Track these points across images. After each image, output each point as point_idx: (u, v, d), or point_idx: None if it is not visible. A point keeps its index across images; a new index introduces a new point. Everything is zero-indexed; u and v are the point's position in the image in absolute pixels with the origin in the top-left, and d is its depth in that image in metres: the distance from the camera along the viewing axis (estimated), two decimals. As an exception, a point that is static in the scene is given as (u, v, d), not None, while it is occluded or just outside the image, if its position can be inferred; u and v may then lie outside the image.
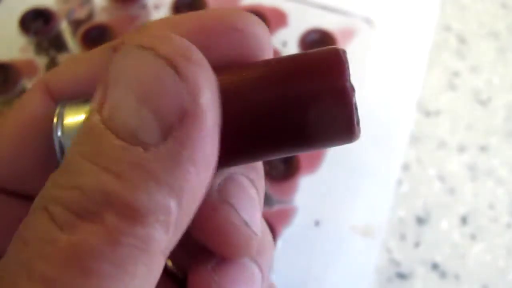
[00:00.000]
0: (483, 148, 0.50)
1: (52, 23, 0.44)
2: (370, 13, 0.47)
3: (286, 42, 0.46)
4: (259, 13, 0.45)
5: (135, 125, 0.12)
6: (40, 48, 0.44)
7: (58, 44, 0.45)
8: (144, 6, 0.46)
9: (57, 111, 0.15)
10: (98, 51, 0.16)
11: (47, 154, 0.15)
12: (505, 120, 0.52)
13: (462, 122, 0.51)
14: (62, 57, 0.43)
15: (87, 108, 0.14)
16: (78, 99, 0.15)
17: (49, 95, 0.16)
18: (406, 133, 0.50)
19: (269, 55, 0.16)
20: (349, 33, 0.45)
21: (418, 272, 0.44)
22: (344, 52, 0.15)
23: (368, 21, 0.46)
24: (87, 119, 0.13)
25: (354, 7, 0.47)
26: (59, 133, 0.15)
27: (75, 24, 0.46)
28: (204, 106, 0.12)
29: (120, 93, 0.12)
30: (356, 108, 0.14)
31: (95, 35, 0.44)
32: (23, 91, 0.42)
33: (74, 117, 0.15)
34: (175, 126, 0.12)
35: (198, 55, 0.13)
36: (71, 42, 0.47)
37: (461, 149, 0.50)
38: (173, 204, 0.12)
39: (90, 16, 0.46)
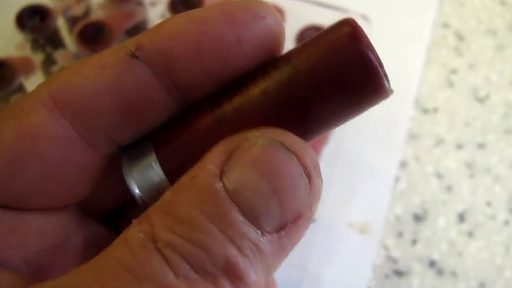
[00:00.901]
0: (481, 146, 0.50)
1: (48, 20, 0.44)
2: (367, 10, 0.47)
3: (283, 39, 0.46)
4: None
5: (261, 211, 0.13)
6: (36, 45, 0.44)
7: (54, 41, 0.45)
8: (140, 3, 0.46)
9: (123, 161, 0.16)
10: (109, 55, 0.16)
11: (45, 165, 0.16)
12: (503, 117, 0.52)
13: (459, 119, 0.51)
14: (58, 54, 0.43)
15: (153, 156, 0.16)
16: (137, 147, 0.16)
17: (54, 105, 0.16)
18: (404, 131, 0.49)
19: (284, 41, 0.17)
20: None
21: (415, 269, 0.44)
22: (352, 20, 0.16)
23: (365, 17, 0.46)
24: (203, 176, 0.14)
25: (351, 4, 0.47)
26: (136, 191, 0.16)
27: (72, 21, 0.46)
28: (312, 214, 0.14)
29: (253, 176, 0.14)
30: (381, 65, 0.16)
31: (91, 32, 0.44)
32: (19, 87, 0.42)
33: (143, 164, 0.16)
34: (289, 223, 0.14)
35: (320, 169, 0.15)
36: (68, 39, 0.47)
37: (459, 146, 0.50)
38: (264, 284, 0.14)
39: (86, 13, 0.46)
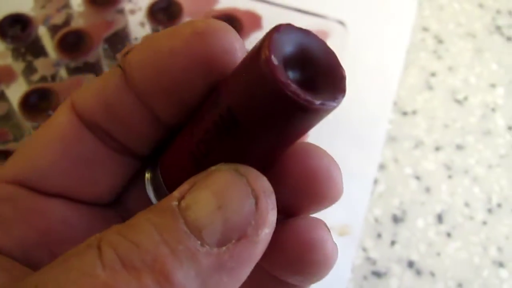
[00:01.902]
0: (460, 147, 0.51)
1: (29, 29, 0.44)
2: (344, 15, 0.48)
3: (260, 45, 0.47)
4: (233, 16, 0.46)
5: (205, 223, 0.14)
6: (17, 54, 0.45)
7: (35, 50, 0.45)
8: (120, 11, 0.46)
9: (147, 175, 0.18)
10: (109, 74, 0.18)
11: (71, 163, 0.18)
12: (481, 119, 0.52)
13: (438, 122, 0.52)
14: (38, 62, 0.44)
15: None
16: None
17: (75, 113, 0.18)
18: (383, 133, 0.50)
19: (236, 56, 0.17)
20: (323, 35, 0.46)
21: (394, 270, 0.45)
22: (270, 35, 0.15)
23: (341, 23, 0.47)
24: (167, 201, 0.15)
25: (328, 10, 0.47)
26: (152, 196, 0.18)
27: (53, 30, 0.47)
28: (260, 238, 0.15)
29: (204, 194, 0.15)
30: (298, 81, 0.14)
31: (71, 41, 0.44)
32: (1, 95, 0.42)
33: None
34: (232, 241, 0.14)
35: (274, 201, 0.15)
36: (49, 47, 0.48)
37: (438, 148, 0.50)
38: None
39: (67, 21, 0.47)
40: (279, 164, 0.17)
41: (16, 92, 0.42)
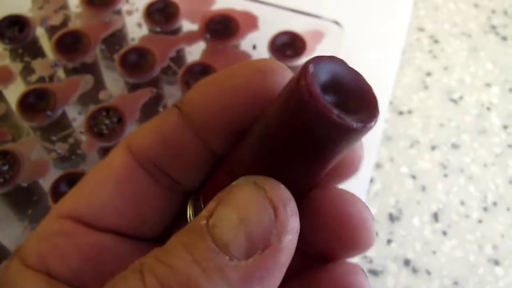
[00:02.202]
0: (455, 146, 0.51)
1: (27, 30, 0.45)
2: (340, 15, 0.48)
3: (256, 45, 0.47)
4: (230, 17, 0.46)
5: (230, 238, 0.15)
6: (15, 55, 0.45)
7: (33, 51, 0.46)
8: (117, 12, 0.47)
9: (189, 205, 0.19)
10: (166, 114, 0.19)
11: (124, 201, 0.19)
12: (476, 118, 0.53)
13: (434, 121, 0.52)
14: (36, 63, 0.44)
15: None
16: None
17: (130, 153, 0.19)
18: (379, 132, 0.50)
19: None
20: (319, 35, 0.46)
21: (390, 269, 0.45)
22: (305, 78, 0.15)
23: (337, 23, 0.47)
24: (197, 220, 0.16)
25: (323, 10, 0.48)
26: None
27: (50, 31, 0.47)
28: (284, 245, 0.15)
29: (227, 211, 0.15)
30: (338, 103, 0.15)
31: (69, 41, 0.44)
32: (-1, 97, 0.43)
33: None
34: (258, 251, 0.15)
35: (293, 207, 0.16)
36: (47, 48, 0.48)
37: (433, 147, 0.51)
38: None
39: (64, 22, 0.47)
40: (315, 210, 0.18)
41: (14, 92, 0.42)
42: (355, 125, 0.15)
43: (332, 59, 0.16)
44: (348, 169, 0.19)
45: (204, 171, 0.19)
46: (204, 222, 0.15)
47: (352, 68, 0.17)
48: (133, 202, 0.19)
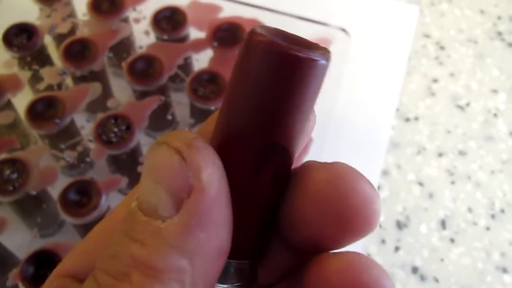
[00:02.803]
0: (462, 153, 0.51)
1: (35, 38, 0.45)
2: (347, 23, 0.48)
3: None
4: (237, 25, 0.46)
5: (154, 203, 0.15)
6: (23, 63, 0.45)
7: (41, 59, 0.46)
8: (124, 20, 0.47)
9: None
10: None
11: None
12: (483, 125, 0.53)
13: (441, 127, 0.52)
14: (44, 71, 0.44)
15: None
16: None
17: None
18: (386, 139, 0.50)
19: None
20: (326, 42, 0.46)
21: (398, 276, 0.45)
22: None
23: (344, 30, 0.47)
24: (128, 211, 0.16)
25: (330, 18, 0.48)
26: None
27: (58, 39, 0.47)
28: (205, 181, 0.15)
29: (145, 181, 0.15)
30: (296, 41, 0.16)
31: (76, 49, 0.45)
32: (7, 104, 0.43)
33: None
34: (184, 200, 0.14)
35: (199, 142, 0.15)
36: (55, 56, 0.48)
37: (440, 154, 0.51)
38: (185, 264, 0.14)
39: (72, 30, 0.47)
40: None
41: (22, 100, 0.42)
42: (311, 56, 0.15)
43: (274, 28, 0.17)
44: (363, 226, 0.17)
45: None
46: (134, 203, 0.15)
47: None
48: None
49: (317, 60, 0.15)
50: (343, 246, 0.17)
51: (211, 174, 0.15)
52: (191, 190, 0.14)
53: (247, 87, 0.15)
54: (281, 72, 0.15)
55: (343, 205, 0.16)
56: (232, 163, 0.16)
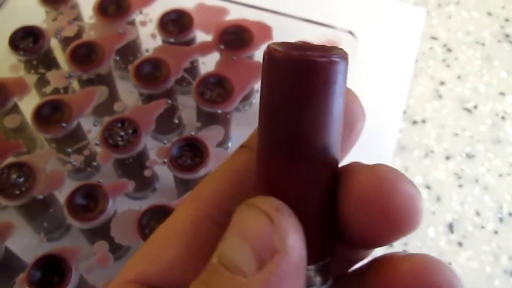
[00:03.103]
0: (470, 156, 0.51)
1: (41, 42, 0.45)
2: (353, 25, 0.48)
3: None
4: (244, 27, 0.46)
5: (238, 258, 0.15)
6: (30, 66, 0.45)
7: (47, 62, 0.46)
8: (131, 23, 0.47)
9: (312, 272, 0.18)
10: (233, 157, 0.19)
11: (193, 257, 0.19)
12: (491, 127, 0.52)
13: (448, 130, 0.52)
14: (51, 74, 0.44)
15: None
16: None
17: (197, 204, 0.19)
18: (393, 142, 0.50)
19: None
20: (333, 45, 0.46)
21: (406, 280, 0.44)
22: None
23: (351, 33, 0.47)
24: (209, 264, 0.16)
25: (337, 20, 0.48)
26: None
27: (64, 42, 0.47)
28: (289, 245, 0.15)
29: (230, 238, 0.16)
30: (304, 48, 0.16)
31: (83, 52, 0.45)
32: (13, 108, 0.43)
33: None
34: (267, 260, 0.15)
35: (286, 209, 0.16)
36: (61, 59, 0.48)
37: (448, 157, 0.50)
38: None
39: (78, 33, 0.47)
40: (402, 278, 0.17)
41: (29, 104, 0.42)
42: (330, 57, 0.16)
43: (286, 42, 0.17)
44: (408, 225, 0.17)
45: None
46: (215, 259, 0.16)
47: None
48: (202, 257, 0.19)
49: (335, 60, 0.16)
50: (388, 243, 0.18)
51: (295, 241, 0.16)
52: (274, 252, 0.15)
53: (283, 105, 0.16)
54: (306, 79, 0.16)
55: (387, 206, 0.17)
56: (293, 177, 0.17)
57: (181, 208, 0.20)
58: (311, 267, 0.17)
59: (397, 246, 0.46)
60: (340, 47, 0.45)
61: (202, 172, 0.39)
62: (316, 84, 0.16)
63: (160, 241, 0.19)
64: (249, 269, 0.15)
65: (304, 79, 0.16)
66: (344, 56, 0.16)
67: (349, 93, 0.19)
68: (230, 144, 0.47)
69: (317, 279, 0.18)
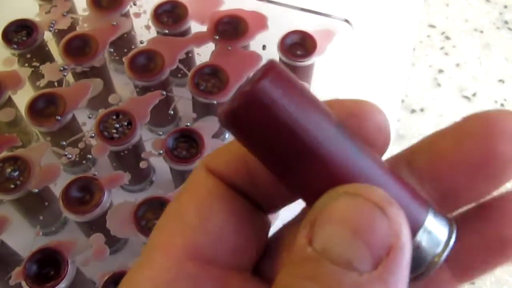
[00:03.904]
0: (469, 144, 0.50)
1: (34, 35, 0.44)
2: (350, 14, 0.48)
3: (266, 45, 0.47)
4: (239, 17, 0.45)
5: (350, 254, 0.14)
6: (23, 60, 0.45)
7: (41, 55, 0.45)
8: (125, 15, 0.46)
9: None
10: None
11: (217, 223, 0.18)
12: (490, 115, 0.52)
13: (447, 119, 0.52)
14: (45, 68, 0.44)
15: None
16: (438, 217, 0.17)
17: (212, 173, 0.18)
18: (391, 131, 0.50)
19: (386, 135, 0.18)
20: (329, 34, 0.45)
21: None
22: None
23: (347, 22, 0.47)
24: (300, 251, 0.15)
25: (333, 9, 0.47)
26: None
27: (58, 35, 0.47)
28: (403, 242, 0.15)
29: (332, 229, 0.15)
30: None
31: (77, 45, 0.44)
32: (8, 101, 0.42)
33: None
34: (383, 257, 0.14)
35: (395, 201, 0.15)
36: (55, 52, 0.48)
37: (447, 145, 0.50)
38: None
39: (72, 26, 0.47)
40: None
41: (23, 98, 0.42)
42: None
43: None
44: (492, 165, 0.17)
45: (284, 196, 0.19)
46: (309, 249, 0.15)
47: None
48: (228, 228, 0.18)
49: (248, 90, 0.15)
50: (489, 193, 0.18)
51: (408, 235, 0.15)
52: (390, 249, 0.14)
53: (280, 136, 0.15)
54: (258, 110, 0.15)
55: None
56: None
57: (197, 178, 0.19)
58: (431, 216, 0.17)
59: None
60: (336, 36, 0.44)
61: (198, 163, 0.39)
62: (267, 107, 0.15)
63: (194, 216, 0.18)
64: (364, 266, 0.14)
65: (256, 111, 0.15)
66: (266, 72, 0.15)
67: (379, 112, 0.18)
68: (226, 135, 0.46)
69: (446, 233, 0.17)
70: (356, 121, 0.17)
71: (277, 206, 0.19)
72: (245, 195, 0.18)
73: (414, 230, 0.16)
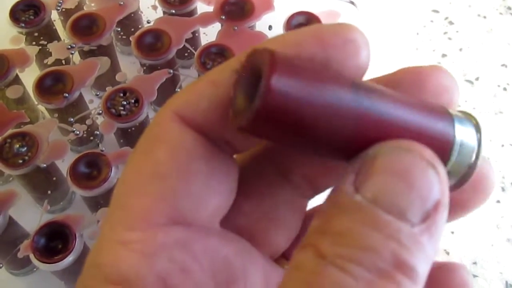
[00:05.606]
0: (472, 127, 0.51)
1: (42, 14, 0.45)
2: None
3: (272, 26, 0.47)
4: (245, -2, 0.46)
5: (405, 205, 0.15)
6: (31, 38, 0.45)
7: (48, 34, 0.46)
8: (132, -5, 0.47)
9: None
10: (218, 73, 0.17)
11: (199, 179, 0.18)
12: (493, 99, 0.52)
13: (450, 102, 0.52)
14: (52, 46, 0.44)
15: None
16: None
17: (185, 123, 0.17)
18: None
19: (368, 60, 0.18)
20: (334, 15, 0.46)
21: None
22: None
23: (352, 3, 0.47)
24: (346, 198, 0.15)
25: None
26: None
27: (65, 14, 0.47)
28: (446, 199, 0.15)
29: (386, 180, 0.15)
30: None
31: (84, 25, 0.44)
32: (15, 79, 0.43)
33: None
34: (431, 211, 0.15)
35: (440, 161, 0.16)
36: (62, 31, 0.48)
37: (450, 128, 0.50)
38: (427, 270, 0.15)
39: (80, 5, 0.47)
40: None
41: (30, 76, 0.42)
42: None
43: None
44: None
45: None
46: (359, 196, 0.15)
47: None
48: (198, 176, 0.18)
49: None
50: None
51: (449, 193, 0.15)
52: (438, 204, 0.15)
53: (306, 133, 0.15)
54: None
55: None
56: None
57: (162, 124, 0.18)
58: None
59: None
60: (341, 18, 0.44)
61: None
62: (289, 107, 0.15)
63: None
64: (416, 218, 0.15)
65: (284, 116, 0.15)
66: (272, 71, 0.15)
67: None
68: (232, 116, 0.47)
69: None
70: (351, 46, 0.17)
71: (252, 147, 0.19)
72: (215, 141, 0.18)
73: (448, 149, 0.17)
